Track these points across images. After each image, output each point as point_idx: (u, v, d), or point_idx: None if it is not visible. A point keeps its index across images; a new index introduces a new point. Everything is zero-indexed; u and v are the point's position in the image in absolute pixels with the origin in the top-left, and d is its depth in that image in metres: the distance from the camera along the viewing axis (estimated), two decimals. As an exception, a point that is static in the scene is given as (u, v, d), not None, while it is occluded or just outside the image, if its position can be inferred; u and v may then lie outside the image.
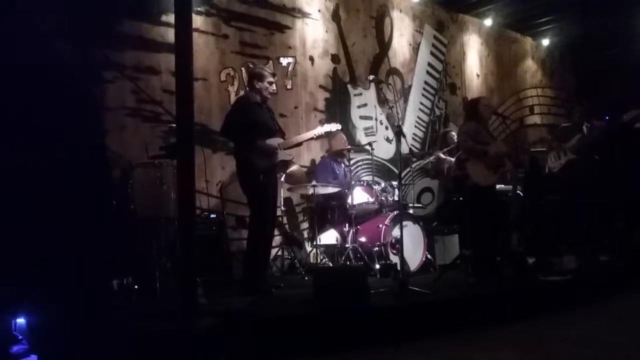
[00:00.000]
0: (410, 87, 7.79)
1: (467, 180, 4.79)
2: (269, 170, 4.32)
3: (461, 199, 5.48)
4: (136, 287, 3.86)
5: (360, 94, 7.14)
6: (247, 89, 4.57)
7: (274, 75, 4.55)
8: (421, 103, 7.92)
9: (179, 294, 3.15)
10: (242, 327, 3.06)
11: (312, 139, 4.78)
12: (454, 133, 6.67)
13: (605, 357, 3.04)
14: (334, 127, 4.99)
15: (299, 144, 4.82)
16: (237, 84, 5.92)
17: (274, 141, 4.36)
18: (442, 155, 6.38)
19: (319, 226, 5.48)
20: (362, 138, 7.01)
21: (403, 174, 6.07)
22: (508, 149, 5.01)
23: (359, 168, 6.90)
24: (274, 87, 4.49)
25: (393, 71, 7.47)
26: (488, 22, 8.70)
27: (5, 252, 1.38)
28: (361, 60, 7.19)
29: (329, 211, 5.83)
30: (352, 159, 6.10)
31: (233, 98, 5.82)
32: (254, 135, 4.24)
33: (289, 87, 6.41)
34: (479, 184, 4.74)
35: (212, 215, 5.16)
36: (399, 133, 4.55)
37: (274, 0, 6.35)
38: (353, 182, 5.75)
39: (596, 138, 5.93)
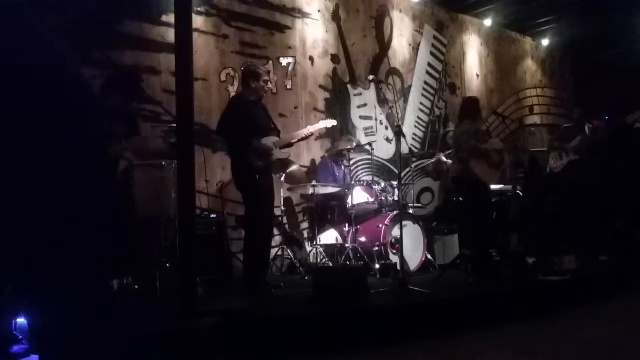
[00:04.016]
0: (410, 87, 7.79)
1: (469, 178, 4.79)
2: (265, 170, 4.31)
3: (461, 199, 5.48)
4: (136, 287, 3.87)
5: (360, 94, 7.14)
6: (242, 87, 4.54)
7: (269, 73, 4.53)
8: (421, 103, 7.92)
9: (179, 294, 3.15)
10: (242, 327, 3.07)
11: (309, 136, 4.71)
12: None
13: (605, 357, 3.04)
14: (330, 123, 4.98)
15: (297, 141, 4.77)
16: (237, 84, 5.91)
17: (269, 140, 4.35)
18: (444, 159, 6.37)
19: (319, 226, 5.48)
20: (362, 138, 7.00)
21: (403, 174, 6.07)
22: (504, 145, 5.05)
23: (359, 168, 6.90)
24: (269, 85, 4.48)
25: (393, 71, 7.47)
26: (488, 22, 8.70)
27: (4, 252, 1.37)
28: (361, 61, 7.18)
29: (329, 211, 5.83)
30: (352, 159, 6.10)
31: (233, 98, 5.83)
32: (249, 134, 4.22)
33: (289, 87, 6.41)
34: (481, 180, 4.74)
35: (212, 215, 5.16)
36: (399, 133, 4.56)
37: (274, 1, 6.35)
38: (353, 182, 5.75)
39: (598, 139, 5.92)
